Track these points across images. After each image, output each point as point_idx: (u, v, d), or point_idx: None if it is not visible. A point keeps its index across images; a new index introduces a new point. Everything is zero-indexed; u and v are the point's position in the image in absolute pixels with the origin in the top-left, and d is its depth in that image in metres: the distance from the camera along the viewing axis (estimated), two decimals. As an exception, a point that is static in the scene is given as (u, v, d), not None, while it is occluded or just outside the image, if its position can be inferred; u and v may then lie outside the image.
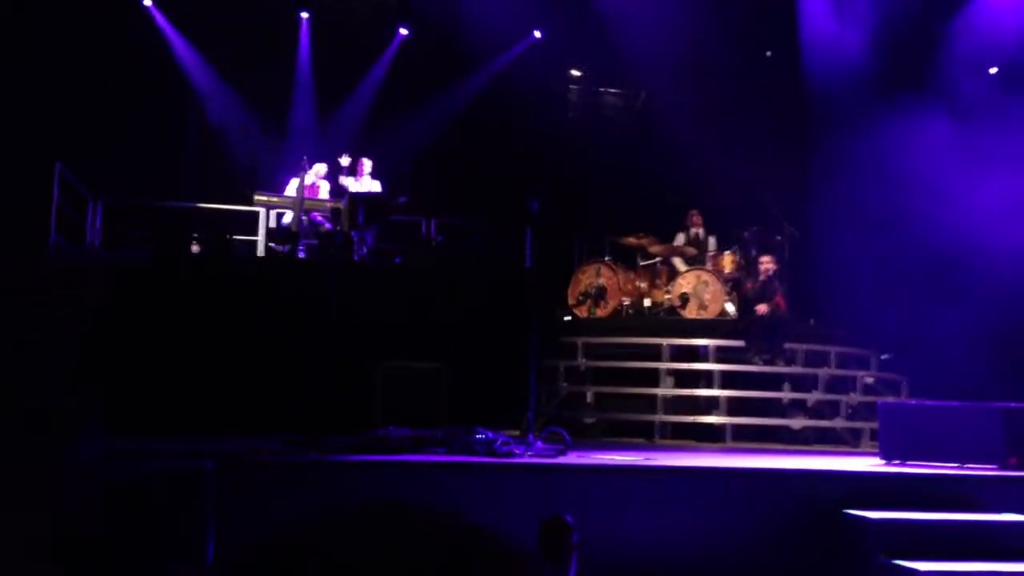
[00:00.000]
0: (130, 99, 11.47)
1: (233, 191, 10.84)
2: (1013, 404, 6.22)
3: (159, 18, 12.19)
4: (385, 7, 12.87)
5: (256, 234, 10.57)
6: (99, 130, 11.16)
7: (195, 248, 9.50)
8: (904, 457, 6.32)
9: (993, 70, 11.63)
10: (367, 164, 10.90)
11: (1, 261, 9.02)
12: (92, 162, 10.73)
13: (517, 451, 5.75)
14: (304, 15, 12.61)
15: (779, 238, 10.35)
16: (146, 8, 12.12)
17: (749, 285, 9.82)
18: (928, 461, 6.20)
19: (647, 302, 10.14)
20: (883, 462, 6.39)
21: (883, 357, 9.90)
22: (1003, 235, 10.19)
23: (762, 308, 9.42)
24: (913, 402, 8.06)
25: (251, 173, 10.23)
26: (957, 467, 6.06)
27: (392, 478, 5.16)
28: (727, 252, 10.27)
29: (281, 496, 5.03)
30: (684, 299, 9.71)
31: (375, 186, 10.83)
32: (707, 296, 9.70)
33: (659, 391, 8.83)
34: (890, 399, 8.89)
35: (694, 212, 10.85)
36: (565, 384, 9.16)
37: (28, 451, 5.68)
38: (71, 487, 4.83)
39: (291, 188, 10.53)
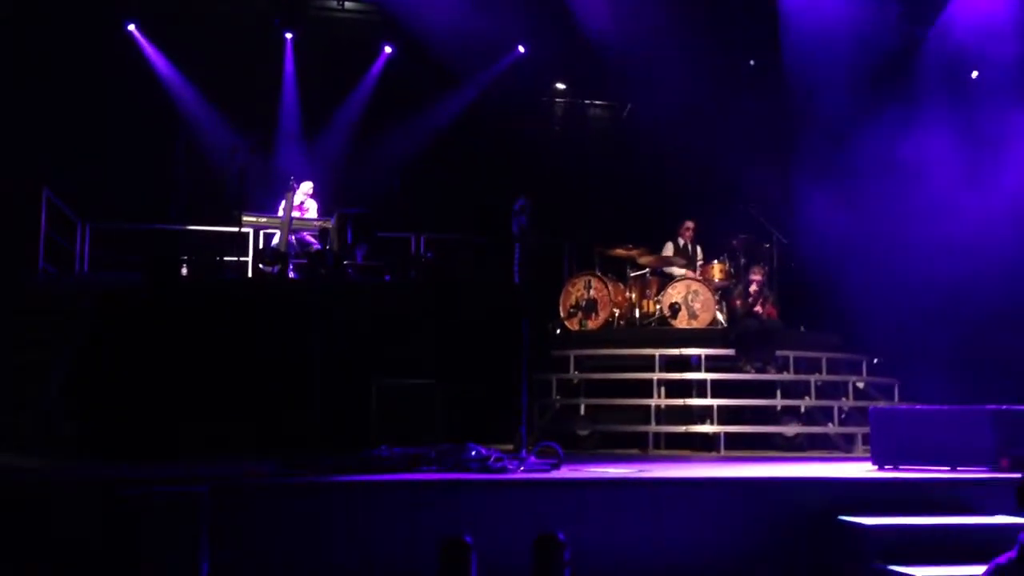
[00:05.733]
0: (117, 122, 11.49)
1: (222, 212, 10.84)
2: (1002, 406, 6.24)
3: (142, 42, 12.20)
4: (369, 25, 12.93)
5: (246, 255, 10.58)
6: (86, 154, 11.17)
7: (184, 271, 9.49)
8: (896, 462, 6.34)
9: (975, 74, 11.73)
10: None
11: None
12: (79, 186, 10.74)
13: (510, 467, 5.75)
14: (288, 35, 12.64)
15: (767, 246, 10.39)
16: (129, 32, 12.14)
17: (738, 301, 9.84)
18: (920, 465, 6.22)
19: (638, 313, 10.16)
20: (875, 467, 6.41)
21: (875, 361, 9.93)
22: (992, 235, 10.25)
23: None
24: (903, 407, 8.10)
25: (239, 194, 10.23)
26: (949, 470, 6.08)
27: (386, 498, 5.15)
28: (716, 261, 10.30)
29: (275, 518, 5.03)
30: (675, 309, 9.73)
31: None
32: (697, 305, 9.72)
33: (652, 402, 8.84)
34: (882, 403, 8.92)
35: (689, 223, 10.82)
36: (558, 397, 9.17)
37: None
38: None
39: (280, 208, 10.55)
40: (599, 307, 9.93)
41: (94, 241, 11.01)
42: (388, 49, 12.94)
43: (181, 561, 4.57)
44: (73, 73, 11.25)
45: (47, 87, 11.15)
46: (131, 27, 12.14)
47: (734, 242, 10.38)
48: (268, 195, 11.09)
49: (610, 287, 9.97)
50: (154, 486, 4.88)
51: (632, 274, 10.46)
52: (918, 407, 7.04)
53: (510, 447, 6.78)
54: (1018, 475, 5.77)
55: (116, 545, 4.68)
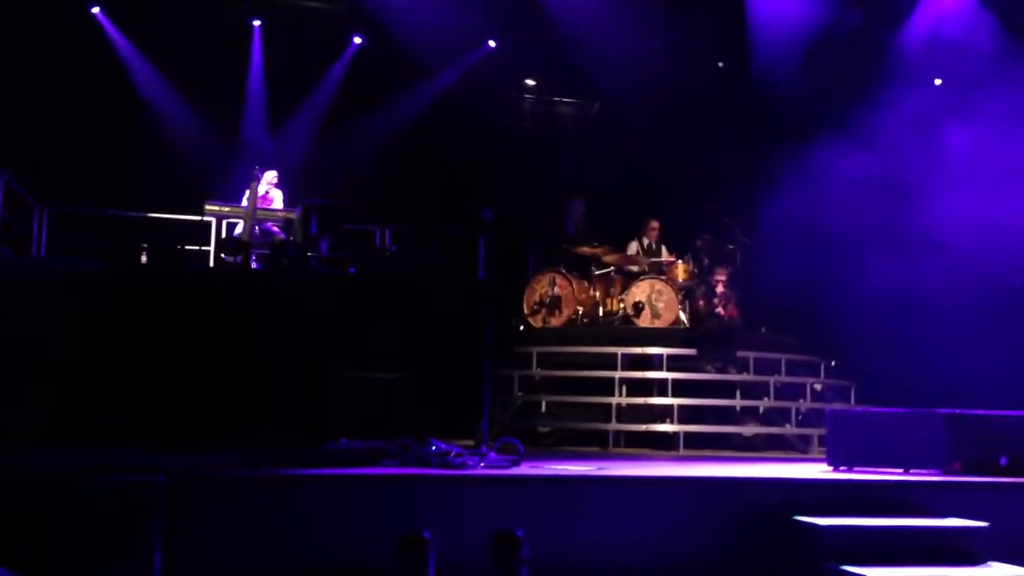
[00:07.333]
0: (79, 106, 11.28)
1: (184, 200, 10.71)
2: (955, 410, 6.35)
3: (107, 26, 12.01)
4: (338, 16, 12.82)
5: (208, 244, 10.45)
6: (46, 137, 10.96)
7: (144, 259, 9.35)
8: (851, 463, 6.43)
9: (938, 81, 11.88)
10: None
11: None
12: (38, 170, 10.54)
13: (471, 463, 5.74)
14: (256, 23, 12.51)
15: (731, 247, 10.49)
16: (94, 15, 11.94)
17: (701, 301, 9.92)
18: (874, 467, 6.31)
19: (601, 311, 10.20)
20: (831, 468, 6.49)
21: (832, 364, 10.05)
22: (957, 237, 10.37)
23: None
24: (859, 409, 8.22)
25: (203, 182, 10.12)
26: (902, 473, 6.18)
27: (345, 492, 5.12)
28: (680, 261, 10.37)
29: (231, 511, 4.98)
30: (638, 308, 9.79)
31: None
32: (661, 305, 9.79)
33: (613, 400, 8.89)
34: (838, 405, 9.04)
35: (653, 222, 10.89)
36: (520, 394, 9.18)
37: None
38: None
39: (245, 198, 10.43)
40: (563, 304, 9.96)
41: (52, 227, 10.81)
42: (357, 40, 12.86)
43: (133, 551, 4.52)
44: (34, 56, 11.04)
45: (6, 70, 10.92)
46: (95, 10, 11.94)
47: (698, 242, 10.47)
48: (232, 183, 10.96)
49: (574, 285, 10.00)
50: (105, 475, 4.81)
51: (596, 272, 10.50)
52: (873, 410, 7.15)
53: (470, 443, 6.78)
54: (969, 478, 5.89)
55: (68, 535, 4.61)
